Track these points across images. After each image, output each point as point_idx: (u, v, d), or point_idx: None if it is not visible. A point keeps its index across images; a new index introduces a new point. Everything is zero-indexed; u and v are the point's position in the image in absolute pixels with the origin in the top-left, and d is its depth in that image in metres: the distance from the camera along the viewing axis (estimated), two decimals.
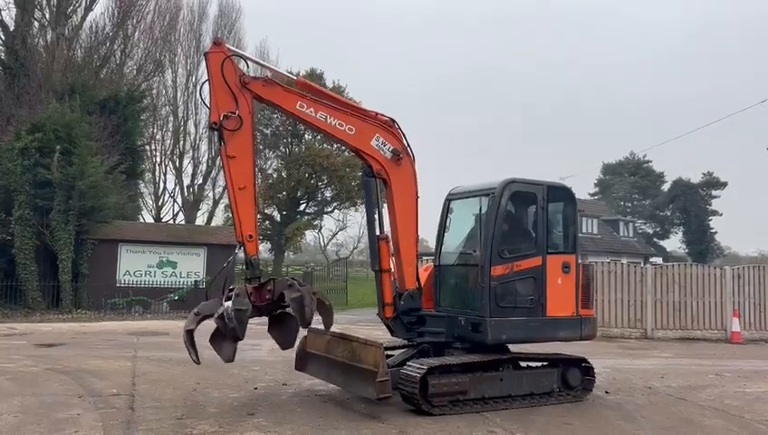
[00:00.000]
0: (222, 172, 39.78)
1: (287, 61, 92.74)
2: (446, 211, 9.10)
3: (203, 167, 39.08)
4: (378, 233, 8.21)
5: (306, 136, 41.91)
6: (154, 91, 36.21)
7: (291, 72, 42.78)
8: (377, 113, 8.22)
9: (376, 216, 8.25)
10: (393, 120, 8.17)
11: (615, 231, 45.71)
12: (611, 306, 17.57)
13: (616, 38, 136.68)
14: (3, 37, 27.52)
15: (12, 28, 27.26)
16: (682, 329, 17.58)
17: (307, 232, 46.53)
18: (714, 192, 59.59)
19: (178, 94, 38.42)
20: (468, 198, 8.84)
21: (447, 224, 9.09)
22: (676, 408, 8.47)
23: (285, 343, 7.76)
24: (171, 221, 37.70)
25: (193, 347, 7.15)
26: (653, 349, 15.25)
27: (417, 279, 8.31)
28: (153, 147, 37.19)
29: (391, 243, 8.20)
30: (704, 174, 60.02)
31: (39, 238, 20.60)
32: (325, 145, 40.89)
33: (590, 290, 8.55)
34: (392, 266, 8.22)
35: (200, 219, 39.25)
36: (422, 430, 6.84)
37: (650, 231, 61.48)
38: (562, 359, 8.61)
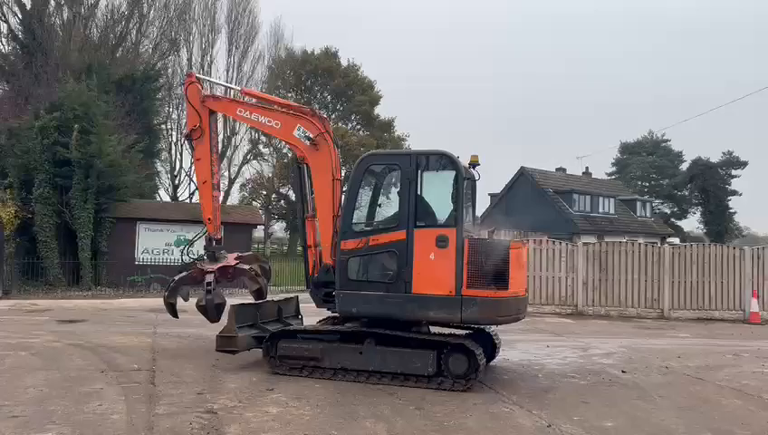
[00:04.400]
0: (236, 151, 40.17)
1: (302, 38, 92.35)
2: None
3: (218, 146, 39.25)
4: (306, 212, 8.99)
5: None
6: (169, 71, 36.30)
7: (306, 51, 42.76)
8: (300, 106, 9.44)
9: (304, 197, 9.05)
10: (313, 111, 9.06)
11: (632, 211, 45.35)
12: (628, 286, 17.50)
13: (635, 23, 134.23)
14: (20, 16, 27.64)
15: (29, 7, 27.35)
16: (700, 309, 17.47)
17: None
18: (733, 171, 58.76)
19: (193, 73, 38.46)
20: None
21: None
22: (693, 388, 8.46)
23: (208, 319, 9.57)
24: (187, 200, 37.96)
25: (173, 310, 9.87)
26: (670, 329, 15.19)
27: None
28: (169, 126, 37.39)
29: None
30: (723, 153, 59.13)
31: (59, 216, 20.83)
32: (340, 124, 40.84)
33: (483, 268, 7.48)
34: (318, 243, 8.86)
35: None
36: (439, 407, 6.91)
37: (668, 211, 60.86)
38: (438, 342, 7.90)
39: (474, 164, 8.51)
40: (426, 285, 7.65)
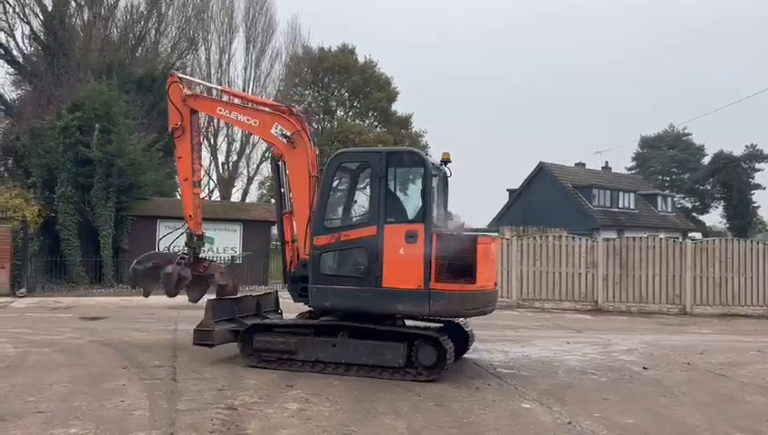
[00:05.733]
0: (255, 149, 40.35)
1: (319, 35, 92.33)
2: None
3: (237, 144, 39.45)
4: (283, 209, 9.10)
5: (338, 112, 41.89)
6: (188, 69, 36.49)
7: (323, 48, 42.79)
8: (278, 104, 9.67)
9: (282, 193, 9.14)
10: (290, 109, 9.18)
11: (653, 206, 44.82)
12: (649, 282, 17.34)
13: (652, 14, 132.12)
14: (42, 18, 27.99)
15: (50, 8, 27.70)
16: (722, 305, 17.27)
17: None
18: (757, 165, 57.82)
19: (212, 72, 38.66)
20: None
21: None
22: (716, 384, 8.36)
23: (194, 299, 9.98)
24: (207, 198, 38.21)
25: (141, 283, 10.02)
26: (692, 325, 15.03)
27: None
28: None
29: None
30: (746, 146, 58.20)
31: (81, 215, 21.09)
32: (357, 121, 40.85)
33: (453, 263, 7.63)
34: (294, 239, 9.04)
35: (235, 196, 39.73)
36: (458, 404, 6.90)
37: (689, 206, 60.12)
38: (409, 334, 8.10)
39: (445, 161, 8.72)
40: (396, 279, 7.81)
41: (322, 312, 8.72)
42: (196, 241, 9.80)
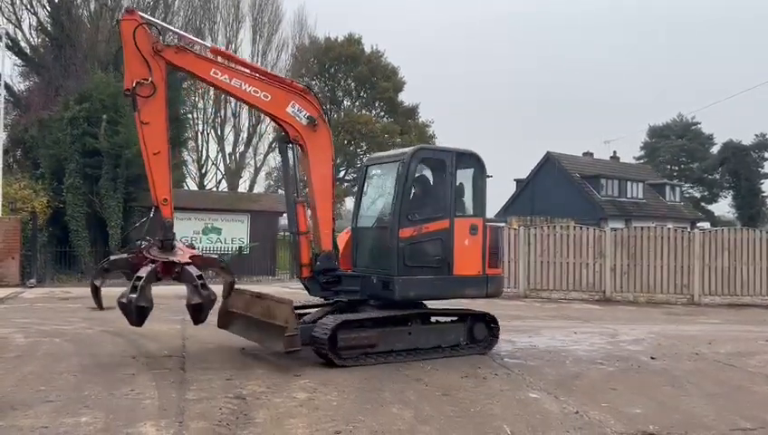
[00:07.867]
0: (262, 139, 40.28)
1: (326, 26, 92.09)
2: (364, 177, 9.64)
3: (244, 135, 39.49)
4: (295, 197, 8.66)
5: (345, 102, 41.80)
6: None
7: (329, 38, 42.58)
8: (292, 81, 8.74)
9: (293, 180, 8.71)
10: (309, 88, 8.53)
11: (661, 195, 44.60)
12: (657, 272, 17.28)
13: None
14: (49, 9, 28.02)
15: (57, 0, 27.72)
16: (731, 295, 17.20)
17: (347, 199, 46.86)
18: (766, 154, 57.42)
19: None
20: (384, 163, 9.43)
21: (365, 189, 9.52)
22: (724, 374, 8.33)
23: (197, 320, 8.02)
24: (215, 189, 38.32)
25: (97, 297, 7.96)
26: (700, 315, 14.98)
27: (334, 241, 8.74)
28: (195, 115, 37.66)
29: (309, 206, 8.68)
30: (756, 136, 57.80)
31: (89, 206, 21.22)
32: (364, 111, 40.76)
33: (497, 251, 9.00)
34: (310, 229, 8.70)
35: (242, 186, 39.83)
36: (465, 393, 6.91)
37: (698, 195, 59.82)
38: (469, 314, 9.13)
39: None
40: (462, 266, 8.62)
41: (340, 301, 8.88)
42: (171, 233, 7.76)
